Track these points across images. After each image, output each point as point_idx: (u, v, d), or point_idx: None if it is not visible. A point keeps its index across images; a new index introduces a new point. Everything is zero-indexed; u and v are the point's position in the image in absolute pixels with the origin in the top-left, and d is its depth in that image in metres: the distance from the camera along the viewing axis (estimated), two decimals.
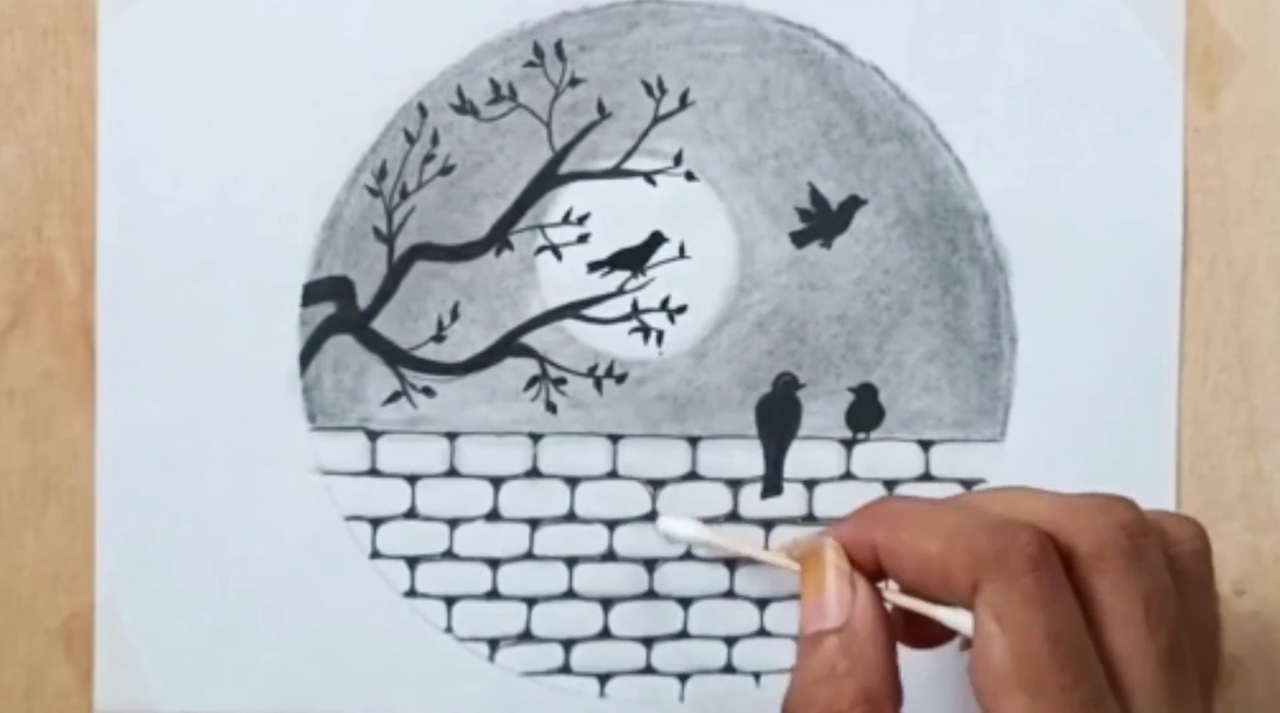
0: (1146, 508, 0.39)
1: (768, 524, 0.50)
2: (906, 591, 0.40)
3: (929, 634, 0.41)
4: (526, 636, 0.49)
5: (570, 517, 0.49)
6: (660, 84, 0.49)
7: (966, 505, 0.40)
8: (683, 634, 0.50)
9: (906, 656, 0.41)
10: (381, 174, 0.48)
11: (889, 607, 0.40)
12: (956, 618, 0.38)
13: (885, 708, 0.38)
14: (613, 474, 0.49)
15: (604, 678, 0.50)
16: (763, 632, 0.50)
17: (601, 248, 0.49)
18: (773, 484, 0.50)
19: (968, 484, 0.50)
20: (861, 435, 0.50)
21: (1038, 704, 0.35)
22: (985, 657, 0.36)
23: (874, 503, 0.41)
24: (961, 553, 0.37)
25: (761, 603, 0.50)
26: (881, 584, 0.40)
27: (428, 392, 0.49)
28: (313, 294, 0.48)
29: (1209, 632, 0.40)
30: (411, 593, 0.49)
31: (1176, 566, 0.39)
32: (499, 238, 0.49)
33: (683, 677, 0.50)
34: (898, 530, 0.39)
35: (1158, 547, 0.38)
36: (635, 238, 0.49)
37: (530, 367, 0.49)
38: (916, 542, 0.38)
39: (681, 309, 0.49)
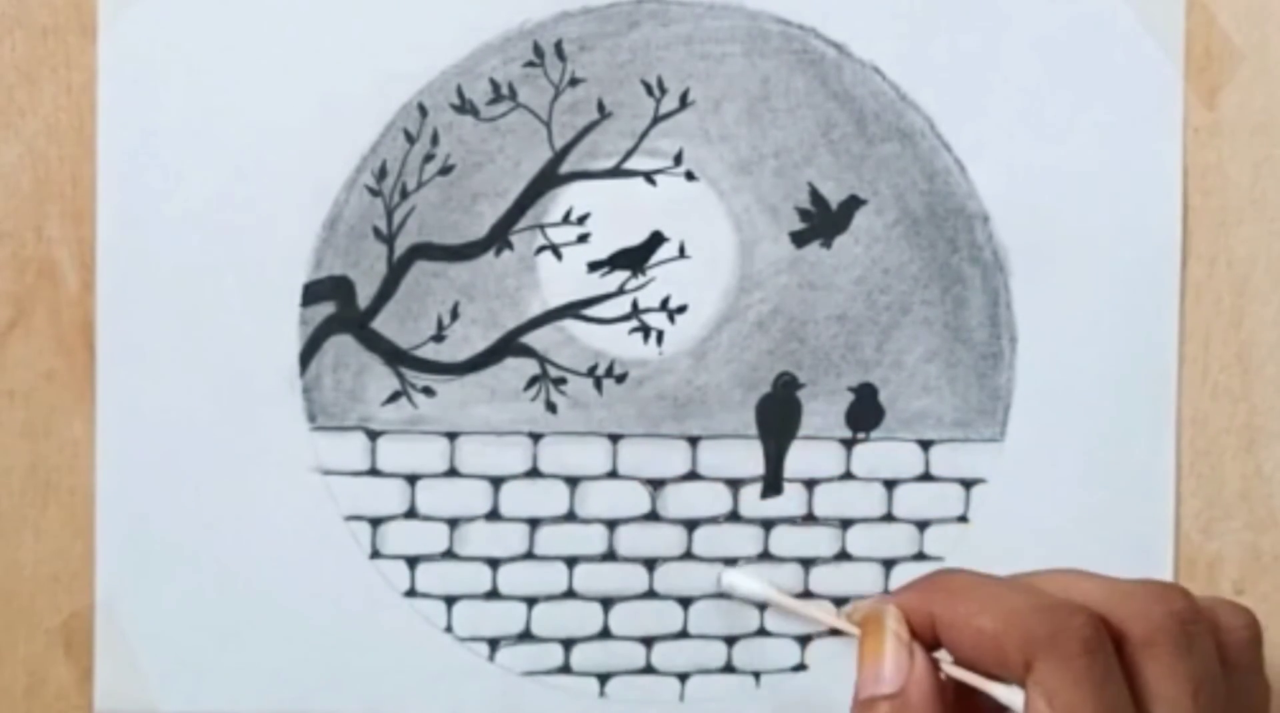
0: (1200, 595, 0.40)
1: (767, 524, 0.50)
2: (961, 663, 0.40)
3: (979, 709, 0.41)
4: (526, 636, 0.49)
5: (570, 517, 0.49)
6: (660, 84, 0.49)
7: (1023, 584, 0.40)
8: (683, 634, 0.50)
9: None
10: (381, 174, 0.48)
11: (943, 677, 0.40)
12: (1010, 695, 0.38)
13: None
14: (613, 474, 0.49)
15: (604, 678, 0.50)
16: (762, 632, 0.50)
17: (601, 248, 0.49)
18: (773, 484, 0.50)
19: (968, 484, 0.50)
20: (861, 435, 0.50)
21: None
22: None
23: (935, 574, 0.42)
24: (1017, 631, 0.37)
25: (761, 604, 0.50)
26: (938, 655, 0.40)
27: (428, 391, 0.49)
28: (313, 294, 0.48)
29: None
30: (411, 593, 0.49)
31: (1226, 654, 0.39)
32: (499, 238, 0.49)
33: (683, 677, 0.50)
34: (956, 604, 0.39)
35: (1208, 634, 0.38)
36: (635, 238, 0.49)
37: (530, 366, 0.49)
38: (973, 616, 0.39)
39: (681, 309, 0.49)
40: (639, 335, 0.49)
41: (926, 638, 0.40)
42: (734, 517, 0.50)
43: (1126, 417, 0.51)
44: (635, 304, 0.49)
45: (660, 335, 0.49)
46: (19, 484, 0.48)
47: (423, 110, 0.48)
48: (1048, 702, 0.36)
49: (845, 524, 0.50)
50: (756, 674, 0.50)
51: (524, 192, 0.49)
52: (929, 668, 0.40)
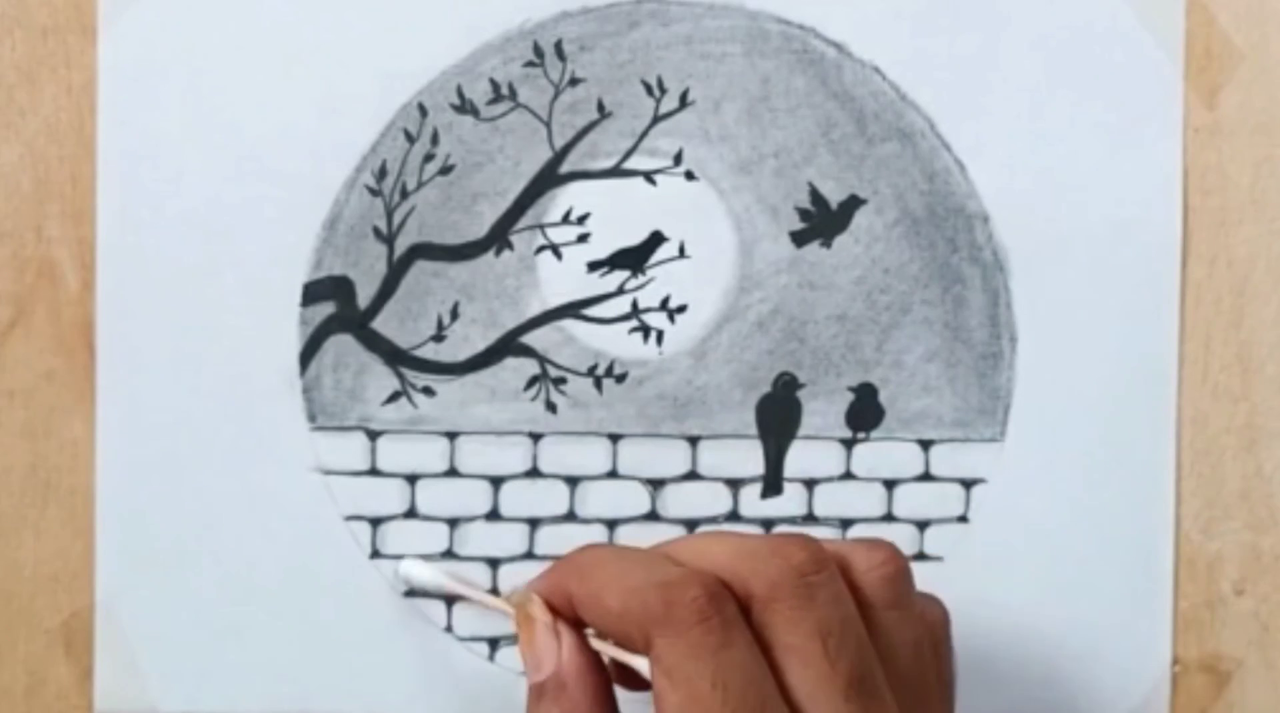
0: (842, 540, 0.40)
1: (767, 524, 0.50)
2: (604, 637, 0.41)
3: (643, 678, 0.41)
4: None
5: (570, 517, 0.49)
6: (660, 84, 0.49)
7: (652, 558, 0.40)
8: None
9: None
10: (381, 174, 0.48)
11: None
12: (647, 666, 0.38)
13: None
14: (613, 474, 0.49)
15: None
16: None
17: (601, 248, 0.49)
18: (773, 484, 0.50)
19: (968, 484, 0.50)
20: (861, 435, 0.50)
21: None
22: (660, 710, 0.37)
23: (573, 552, 0.42)
24: (636, 609, 0.38)
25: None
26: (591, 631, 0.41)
27: (428, 391, 0.49)
28: (313, 294, 0.48)
29: (913, 654, 0.40)
30: (412, 593, 0.49)
31: (863, 593, 0.39)
32: (499, 238, 0.49)
33: None
34: (587, 583, 0.40)
35: (833, 580, 0.38)
36: (635, 238, 0.49)
37: (530, 366, 0.49)
38: (600, 596, 0.39)
39: (681, 309, 0.49)
40: (639, 335, 0.49)
41: (575, 616, 0.40)
42: (734, 517, 0.50)
43: (1126, 417, 0.50)
44: (635, 304, 0.49)
45: (660, 335, 0.49)
46: (19, 484, 0.48)
47: (423, 110, 0.48)
48: (667, 677, 0.37)
49: (845, 524, 0.50)
50: None
51: (524, 191, 0.49)
52: (576, 646, 0.40)
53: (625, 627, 0.38)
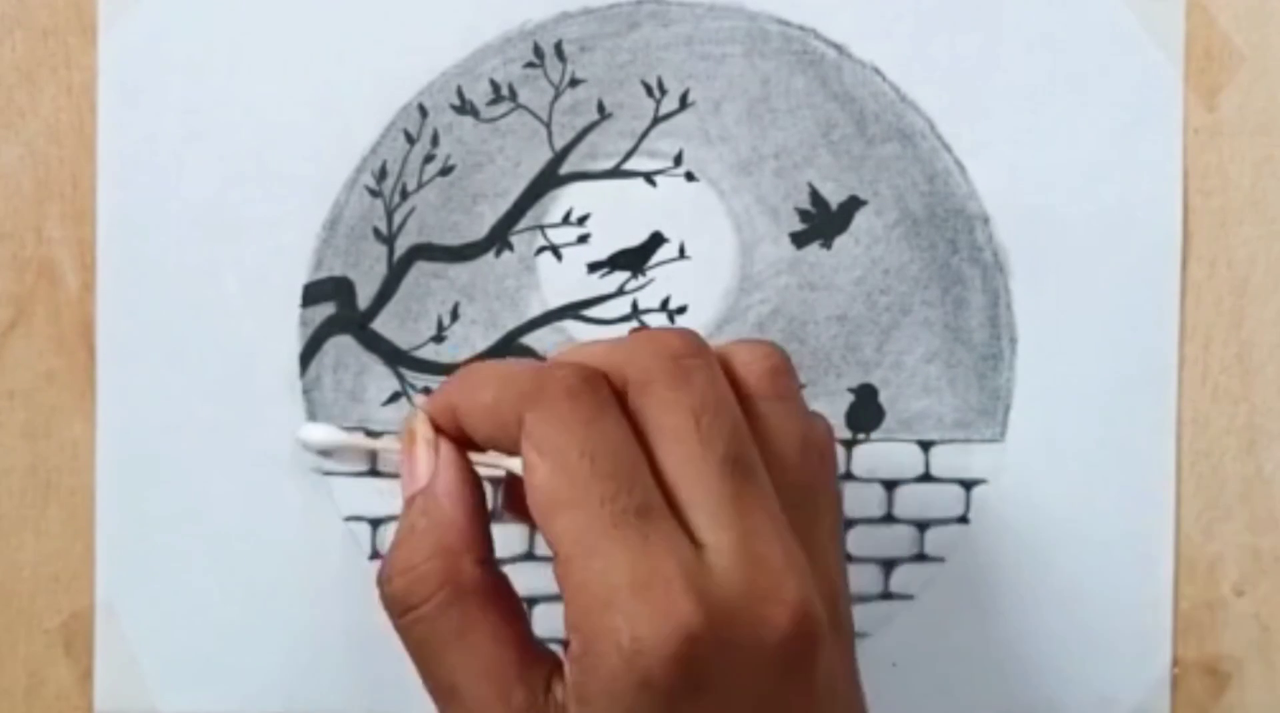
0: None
1: None
2: (484, 446, 0.41)
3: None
4: None
5: None
6: (660, 84, 0.49)
7: (534, 360, 0.41)
8: None
9: None
10: (381, 174, 0.48)
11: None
12: (521, 465, 0.39)
13: (461, 562, 0.39)
14: None
15: None
16: None
17: (601, 248, 0.49)
18: None
19: (968, 485, 0.50)
20: (861, 436, 0.50)
21: (578, 516, 0.36)
22: (531, 485, 0.37)
23: (460, 369, 0.42)
24: (510, 395, 0.38)
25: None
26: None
27: (428, 392, 0.49)
28: (313, 294, 0.48)
29: (799, 451, 0.40)
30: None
31: (744, 386, 0.39)
32: (499, 238, 0.49)
33: None
34: (469, 390, 0.40)
35: (709, 366, 0.39)
36: (635, 238, 0.49)
37: None
38: (476, 393, 0.40)
39: (681, 310, 0.49)
40: None
41: (460, 435, 0.41)
42: None
43: (1126, 417, 0.50)
44: (635, 305, 0.49)
45: None
46: (19, 484, 0.48)
47: (423, 111, 0.48)
48: (536, 450, 0.37)
49: (846, 525, 0.50)
50: None
51: (524, 192, 0.49)
52: (454, 459, 0.40)
53: (500, 417, 0.38)
